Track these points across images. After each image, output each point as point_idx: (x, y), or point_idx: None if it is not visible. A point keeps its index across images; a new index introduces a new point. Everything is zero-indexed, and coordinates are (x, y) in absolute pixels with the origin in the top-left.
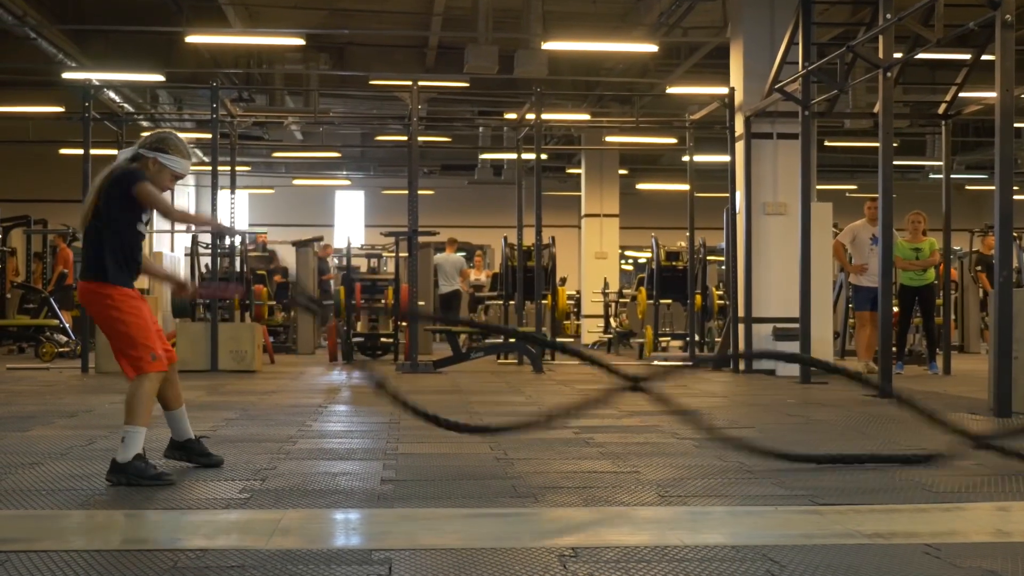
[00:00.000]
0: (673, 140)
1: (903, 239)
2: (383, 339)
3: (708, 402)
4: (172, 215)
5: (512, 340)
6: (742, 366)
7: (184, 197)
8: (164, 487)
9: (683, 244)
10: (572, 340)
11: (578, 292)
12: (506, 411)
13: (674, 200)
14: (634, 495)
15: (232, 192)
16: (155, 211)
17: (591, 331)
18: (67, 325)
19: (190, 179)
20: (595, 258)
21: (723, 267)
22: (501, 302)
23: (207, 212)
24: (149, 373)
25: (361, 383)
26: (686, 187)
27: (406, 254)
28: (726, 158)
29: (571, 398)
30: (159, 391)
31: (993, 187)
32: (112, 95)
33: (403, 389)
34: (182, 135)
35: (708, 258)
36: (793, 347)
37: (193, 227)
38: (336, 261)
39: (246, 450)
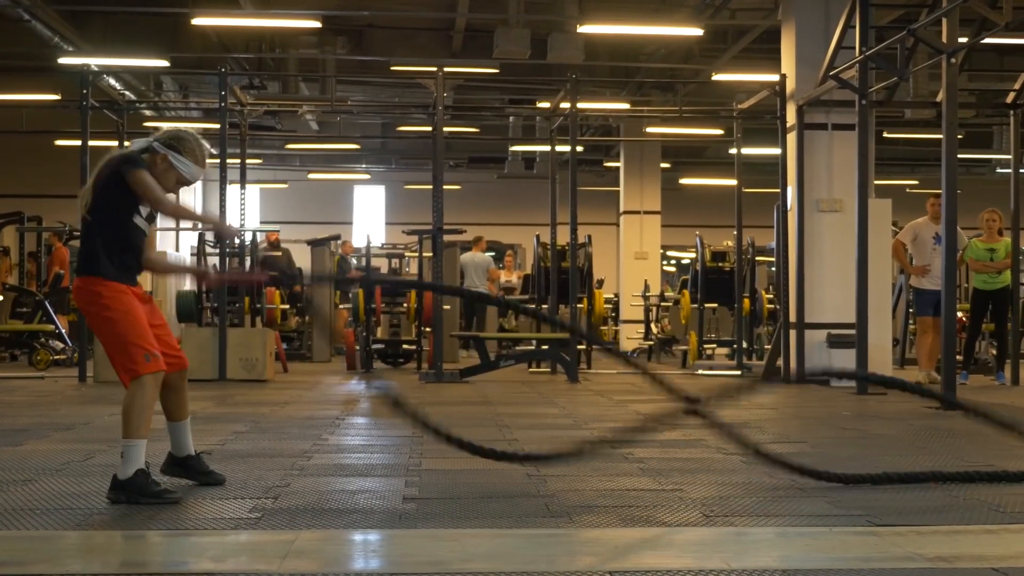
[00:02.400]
0: (719, 131)
1: (978, 239)
2: (405, 346)
3: (757, 414)
4: (164, 208)
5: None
6: (794, 375)
7: (190, 192)
8: (167, 505)
9: (730, 244)
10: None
11: (616, 295)
12: (538, 424)
13: (720, 196)
14: (676, 515)
15: (242, 187)
16: (148, 202)
17: (630, 337)
18: (63, 330)
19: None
20: (635, 259)
21: (773, 269)
22: (533, 306)
23: (214, 211)
24: (143, 376)
25: (374, 395)
26: (733, 182)
27: (430, 254)
28: (776, 151)
29: (609, 410)
30: (163, 399)
31: None
32: (112, 82)
33: (427, 400)
34: (188, 126)
35: (757, 259)
36: (848, 355)
37: (199, 224)
38: (355, 261)
39: (257, 466)
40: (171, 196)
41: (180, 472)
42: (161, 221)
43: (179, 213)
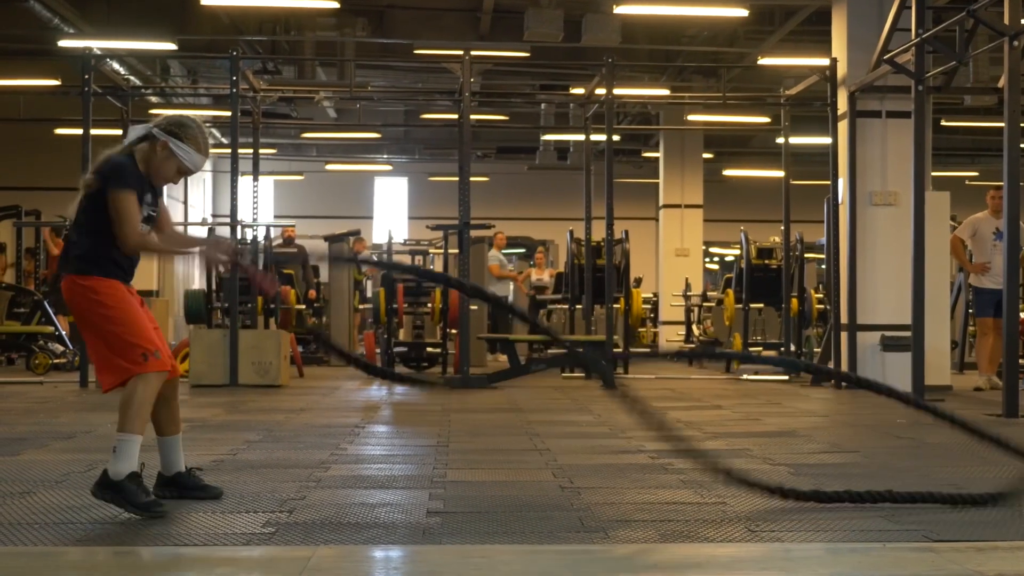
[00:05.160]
0: (766, 119)
1: None
2: (429, 348)
3: (806, 422)
4: (128, 242)
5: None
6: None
7: (199, 185)
8: (154, 519)
9: (777, 239)
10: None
11: (655, 295)
12: (572, 432)
13: (766, 188)
14: (719, 530)
15: (255, 179)
16: (115, 232)
17: (670, 339)
18: (63, 332)
19: (206, 163)
20: (675, 255)
21: (823, 266)
22: (566, 306)
23: (224, 206)
24: (146, 374)
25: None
26: (780, 173)
27: (456, 251)
28: (827, 140)
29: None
30: (153, 412)
31: None
32: (116, 66)
33: (453, 406)
34: (197, 113)
35: (806, 256)
36: (904, 359)
37: (209, 219)
38: (373, 259)
39: (271, 477)
40: (170, 186)
41: (172, 492)
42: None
43: (146, 246)
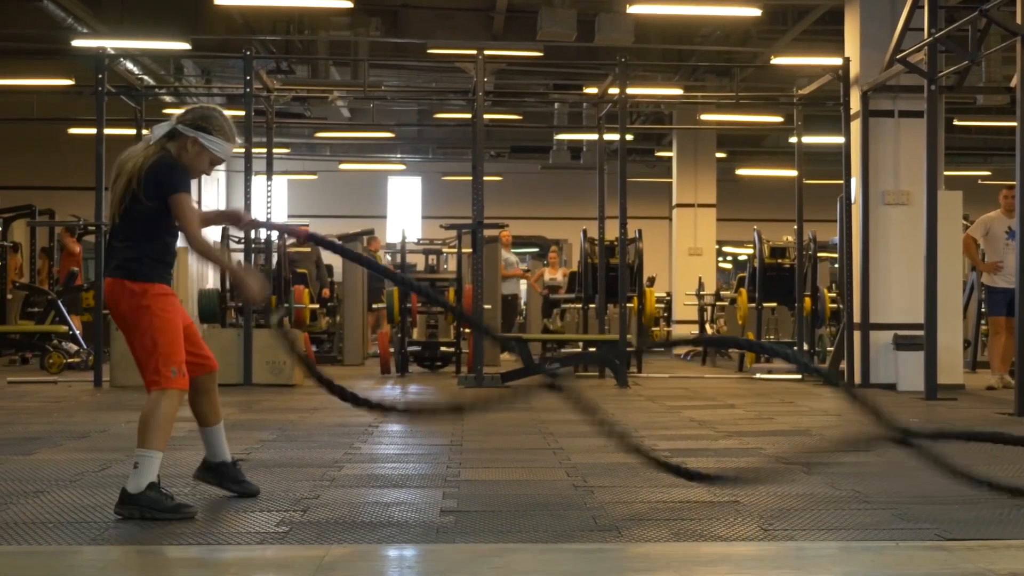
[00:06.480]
0: (779, 118)
1: None
2: (443, 348)
3: (819, 421)
4: (198, 244)
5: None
6: (858, 379)
7: (213, 184)
8: (183, 520)
9: (790, 239)
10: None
11: (668, 294)
12: (584, 431)
13: (780, 188)
14: (733, 528)
15: (268, 178)
16: (183, 233)
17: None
18: (77, 332)
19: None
20: (688, 255)
21: (836, 265)
22: (579, 305)
23: (238, 204)
24: (169, 390)
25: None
26: (793, 173)
27: (470, 250)
28: (840, 139)
29: (660, 417)
30: (194, 404)
31: None
32: (129, 66)
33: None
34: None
35: (819, 255)
36: (916, 358)
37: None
38: (388, 258)
39: (285, 476)
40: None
41: (212, 479)
42: None
43: (206, 252)
